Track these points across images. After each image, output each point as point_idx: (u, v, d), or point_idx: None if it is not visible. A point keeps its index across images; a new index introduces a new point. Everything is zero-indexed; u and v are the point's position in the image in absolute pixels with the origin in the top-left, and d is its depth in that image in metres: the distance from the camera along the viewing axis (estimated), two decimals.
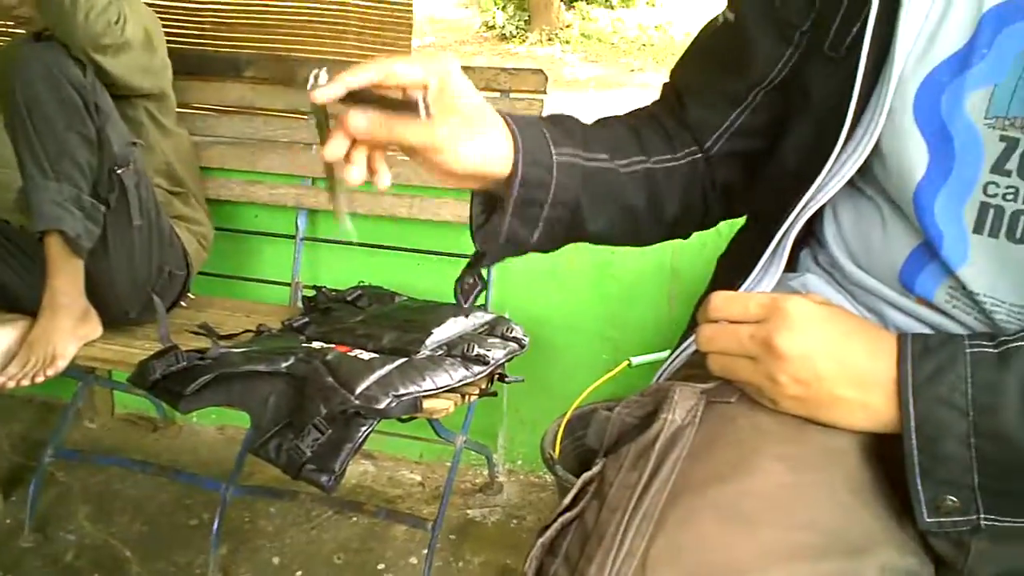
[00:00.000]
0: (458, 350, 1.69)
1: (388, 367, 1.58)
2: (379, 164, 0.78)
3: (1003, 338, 0.65)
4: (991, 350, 0.64)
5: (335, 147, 0.74)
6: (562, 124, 0.88)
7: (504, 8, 14.79)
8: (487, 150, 0.78)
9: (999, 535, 0.67)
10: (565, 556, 0.68)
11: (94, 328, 1.80)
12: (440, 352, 1.69)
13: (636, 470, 0.68)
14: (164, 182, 2.04)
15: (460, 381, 1.61)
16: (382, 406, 1.48)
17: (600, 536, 0.65)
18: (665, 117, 0.95)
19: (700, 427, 0.71)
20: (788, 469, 0.66)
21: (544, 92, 2.04)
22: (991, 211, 0.71)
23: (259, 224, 2.33)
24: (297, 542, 2.02)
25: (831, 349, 0.69)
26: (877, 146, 0.76)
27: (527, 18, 14.31)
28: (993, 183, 0.70)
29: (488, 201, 0.85)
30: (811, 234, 0.88)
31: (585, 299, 2.18)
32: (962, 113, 0.71)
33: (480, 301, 2.03)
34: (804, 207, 0.79)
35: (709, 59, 0.95)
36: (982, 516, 0.65)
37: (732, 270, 0.89)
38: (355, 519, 2.10)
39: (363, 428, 1.46)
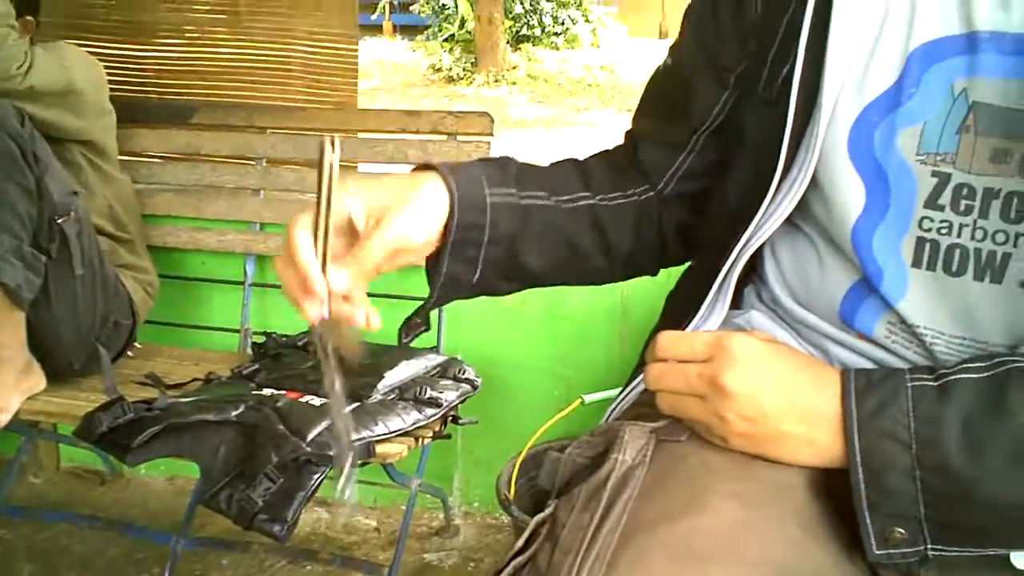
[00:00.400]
0: (410, 393, 1.68)
1: None
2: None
3: (942, 371, 0.66)
4: (931, 383, 0.65)
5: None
6: (501, 166, 0.90)
7: (451, 51, 14.92)
8: (421, 218, 0.81)
9: (946, 565, 0.68)
10: None
11: (38, 381, 1.76)
12: (392, 396, 1.68)
13: (588, 511, 0.68)
14: (108, 225, 2.01)
15: (413, 424, 1.60)
16: (334, 452, 1.46)
17: None
18: (620, 159, 0.99)
19: (651, 466, 0.71)
20: (739, 506, 0.66)
21: (491, 134, 2.06)
22: (927, 245, 0.73)
23: (207, 271, 2.30)
24: None
25: (777, 386, 0.70)
26: (815, 184, 0.77)
27: (474, 60, 14.43)
28: (928, 218, 0.72)
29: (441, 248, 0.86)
30: (754, 271, 0.89)
31: (537, 338, 2.19)
32: (894, 150, 0.73)
33: (432, 343, 2.02)
34: (744, 246, 0.81)
35: (657, 104, 0.99)
36: (929, 546, 0.65)
37: (680, 308, 0.90)
38: (310, 568, 2.06)
39: (315, 476, 1.44)
